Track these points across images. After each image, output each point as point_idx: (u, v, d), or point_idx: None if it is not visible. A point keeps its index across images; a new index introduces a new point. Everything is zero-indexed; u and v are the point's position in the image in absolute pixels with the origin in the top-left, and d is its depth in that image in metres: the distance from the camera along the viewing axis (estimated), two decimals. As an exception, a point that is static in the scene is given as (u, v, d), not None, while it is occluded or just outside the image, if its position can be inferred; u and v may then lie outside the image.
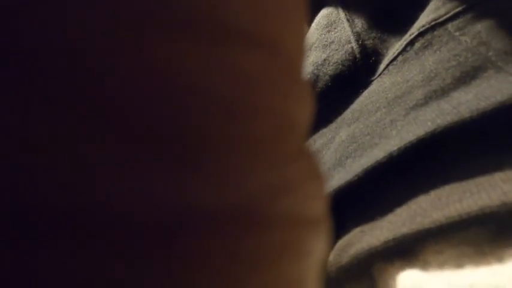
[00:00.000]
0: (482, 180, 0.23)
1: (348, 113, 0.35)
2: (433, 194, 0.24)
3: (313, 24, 0.41)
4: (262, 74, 0.13)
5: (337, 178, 0.31)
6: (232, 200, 0.12)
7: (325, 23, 0.40)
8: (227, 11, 0.12)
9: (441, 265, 0.22)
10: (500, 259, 0.21)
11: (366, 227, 0.27)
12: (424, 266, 0.23)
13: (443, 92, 0.28)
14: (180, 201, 0.11)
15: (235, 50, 0.12)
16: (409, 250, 0.24)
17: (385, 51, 0.35)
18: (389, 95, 0.32)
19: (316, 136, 0.37)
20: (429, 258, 0.23)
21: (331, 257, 0.29)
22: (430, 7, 0.33)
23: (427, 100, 0.29)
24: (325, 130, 0.36)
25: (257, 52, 0.12)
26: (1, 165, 0.09)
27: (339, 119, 0.35)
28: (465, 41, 0.29)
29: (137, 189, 0.10)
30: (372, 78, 0.35)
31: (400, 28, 0.35)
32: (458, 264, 0.22)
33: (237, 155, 0.12)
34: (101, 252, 0.10)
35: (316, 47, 0.39)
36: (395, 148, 0.27)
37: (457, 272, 0.21)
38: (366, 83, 0.35)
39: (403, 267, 0.24)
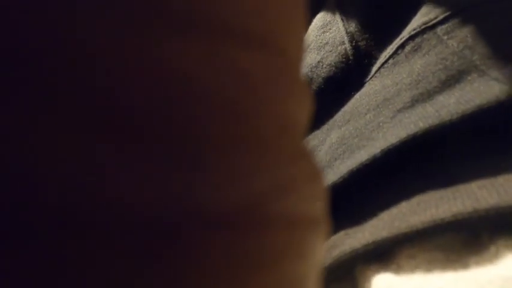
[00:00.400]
0: (460, 187, 0.23)
1: (339, 115, 0.35)
2: (414, 200, 0.24)
3: (311, 26, 0.42)
4: (262, 74, 0.13)
5: (326, 179, 0.32)
6: (233, 200, 0.12)
7: (320, 24, 0.40)
8: (228, 11, 0.12)
9: (413, 269, 0.22)
10: (465, 266, 0.21)
11: (351, 230, 0.27)
12: (397, 269, 0.23)
13: (429, 95, 0.28)
14: (181, 201, 0.11)
15: (236, 50, 0.12)
16: (386, 254, 0.25)
17: (378, 53, 0.35)
18: (378, 97, 0.32)
19: (310, 137, 0.37)
20: (402, 262, 0.23)
21: None
22: (422, 11, 0.33)
23: (413, 103, 0.29)
24: (317, 132, 0.36)
25: (257, 52, 0.12)
26: (1, 165, 0.09)
27: (331, 121, 0.35)
28: (452, 44, 0.29)
29: (139, 190, 0.10)
30: (365, 81, 0.35)
31: (394, 31, 0.35)
32: (428, 269, 0.22)
33: (238, 156, 0.12)
34: (102, 252, 0.10)
35: (311, 48, 0.39)
36: (378, 150, 0.27)
37: (426, 277, 0.22)
38: (358, 85, 0.35)
39: (378, 271, 0.24)
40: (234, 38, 0.12)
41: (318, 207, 0.14)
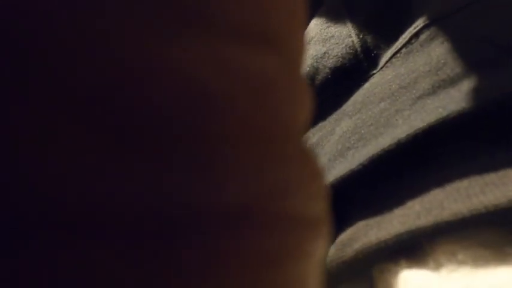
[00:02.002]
0: (508, 173, 0.22)
1: (348, 105, 0.34)
2: (449, 187, 0.23)
3: (313, 20, 0.41)
4: (263, 73, 0.13)
5: (339, 168, 0.31)
6: (233, 200, 0.11)
7: (324, 18, 0.40)
8: (229, 11, 0.12)
9: (456, 268, 0.21)
10: None
11: (372, 221, 0.26)
12: (436, 267, 0.22)
13: (452, 81, 0.27)
14: (182, 202, 0.11)
15: (237, 49, 0.12)
16: (416, 249, 0.23)
17: (386, 45, 0.35)
18: (393, 86, 0.31)
19: (315, 129, 0.36)
20: (441, 259, 0.22)
21: (332, 252, 0.28)
22: (434, 1, 0.33)
23: (434, 89, 0.28)
24: (324, 123, 0.36)
25: (258, 52, 0.12)
26: None
27: (339, 111, 0.35)
28: (474, 32, 0.29)
29: (139, 190, 0.10)
30: (373, 72, 0.35)
31: (401, 22, 0.35)
32: (475, 266, 0.21)
33: (238, 156, 0.12)
34: (102, 252, 0.10)
35: (315, 41, 0.39)
36: (403, 135, 0.26)
37: (474, 274, 0.20)
38: (366, 76, 0.35)
39: (409, 267, 0.23)
40: (235, 38, 0.12)
41: (318, 207, 0.14)
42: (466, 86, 0.26)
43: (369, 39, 0.36)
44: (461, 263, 0.21)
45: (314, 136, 0.36)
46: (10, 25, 0.09)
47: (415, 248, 0.23)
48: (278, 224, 0.12)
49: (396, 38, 0.34)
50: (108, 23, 0.10)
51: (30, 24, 0.10)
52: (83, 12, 0.10)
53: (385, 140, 0.28)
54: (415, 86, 0.30)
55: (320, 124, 0.36)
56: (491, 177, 0.22)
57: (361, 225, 0.27)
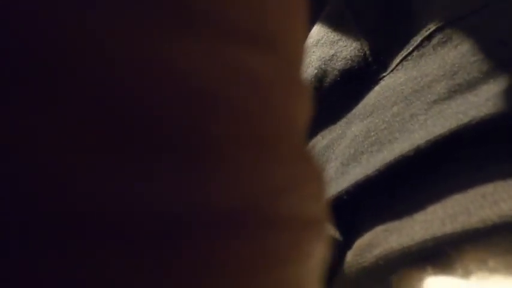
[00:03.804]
0: None
1: (359, 108, 0.34)
2: (473, 192, 0.23)
3: (318, 23, 0.41)
4: (263, 74, 0.12)
5: (353, 174, 0.30)
6: (233, 201, 0.11)
7: (330, 19, 0.39)
8: (229, 11, 0.12)
9: (487, 275, 0.21)
10: None
11: (391, 226, 0.26)
12: (465, 274, 0.22)
13: (469, 86, 0.27)
14: (180, 202, 0.11)
15: (237, 49, 0.12)
16: (441, 255, 0.23)
17: (396, 47, 0.35)
18: (406, 89, 0.31)
19: (324, 132, 0.36)
20: (470, 266, 0.22)
21: (350, 258, 0.28)
22: (445, 3, 0.33)
23: (450, 94, 0.28)
24: (334, 126, 0.35)
25: (258, 52, 0.12)
26: None
27: (350, 114, 0.34)
28: (488, 35, 0.28)
29: (140, 190, 0.10)
30: (383, 75, 0.34)
31: (402, 23, 0.35)
32: (508, 273, 0.20)
33: (236, 156, 0.12)
34: (102, 252, 0.10)
35: (322, 43, 0.38)
36: (422, 141, 0.26)
37: (506, 281, 0.20)
38: (376, 79, 0.34)
39: (435, 274, 0.23)
40: (235, 38, 0.12)
41: (318, 207, 0.14)
42: (485, 90, 0.26)
43: (378, 41, 0.36)
44: (493, 270, 0.21)
45: (324, 139, 0.35)
46: (9, 25, 0.09)
47: (440, 254, 0.23)
48: (276, 225, 0.12)
49: (400, 40, 0.34)
50: (108, 23, 0.10)
51: (29, 24, 0.10)
52: (82, 12, 0.10)
53: (402, 146, 0.28)
54: (430, 90, 0.29)
55: (330, 127, 0.36)
56: None
57: (379, 230, 0.27)
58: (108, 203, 0.10)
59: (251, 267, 0.12)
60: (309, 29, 0.42)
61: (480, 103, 0.25)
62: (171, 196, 0.11)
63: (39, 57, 0.10)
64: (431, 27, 0.32)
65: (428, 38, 0.32)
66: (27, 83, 0.09)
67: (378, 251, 0.25)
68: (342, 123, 0.35)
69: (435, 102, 0.29)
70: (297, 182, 0.13)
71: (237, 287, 0.11)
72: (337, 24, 0.38)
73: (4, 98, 0.09)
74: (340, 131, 0.34)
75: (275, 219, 0.12)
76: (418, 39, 0.33)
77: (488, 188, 0.22)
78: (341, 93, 0.36)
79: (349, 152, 0.32)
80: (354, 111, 0.34)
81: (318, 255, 0.14)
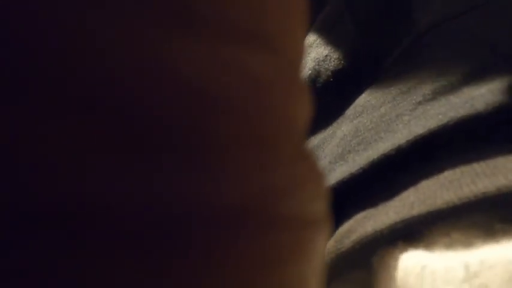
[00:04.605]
0: (497, 163, 0.23)
1: (350, 109, 0.34)
2: (442, 178, 0.24)
3: (316, 23, 0.41)
4: (263, 74, 0.13)
5: (340, 171, 0.31)
6: (232, 201, 0.11)
7: (327, 20, 0.40)
8: (229, 11, 0.12)
9: (448, 246, 0.22)
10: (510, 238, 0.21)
11: (369, 213, 0.27)
12: (429, 246, 0.23)
13: (452, 87, 0.28)
14: (180, 202, 0.11)
15: (236, 49, 0.12)
16: (414, 233, 0.24)
17: (389, 48, 0.35)
18: (394, 90, 0.32)
19: (317, 132, 0.36)
20: (435, 239, 0.23)
21: (331, 244, 0.28)
22: (437, 3, 0.33)
23: (435, 95, 0.29)
24: (325, 126, 0.36)
25: (258, 52, 0.12)
26: None
27: (340, 114, 0.35)
28: (474, 37, 0.29)
29: (139, 189, 0.10)
30: (375, 75, 0.35)
31: (402, 24, 0.35)
32: (467, 244, 0.22)
33: (236, 156, 0.12)
34: (102, 252, 0.10)
35: (318, 43, 0.39)
36: (403, 141, 0.27)
37: (465, 250, 0.21)
38: (368, 80, 0.35)
39: (405, 249, 0.24)
40: (234, 38, 0.12)
41: (319, 207, 0.14)
42: (466, 92, 0.27)
43: (371, 42, 0.36)
44: (455, 241, 0.22)
45: (315, 138, 0.36)
46: (9, 25, 0.09)
47: (413, 232, 0.24)
48: (277, 225, 0.12)
49: (398, 41, 0.35)
50: (108, 23, 0.10)
51: (28, 23, 0.10)
52: (82, 12, 0.10)
53: (385, 145, 0.28)
54: (416, 91, 0.30)
55: (321, 127, 0.36)
56: (481, 167, 0.23)
57: (359, 217, 0.28)
58: (108, 203, 0.10)
59: (251, 267, 0.12)
60: (309, 29, 0.42)
61: (459, 105, 0.26)
62: (171, 196, 0.11)
63: (39, 57, 0.10)
64: (421, 28, 0.33)
65: (418, 39, 0.33)
66: (27, 83, 0.09)
67: (354, 236, 0.26)
68: (332, 123, 0.35)
69: (420, 103, 0.29)
70: (297, 182, 0.13)
71: (237, 287, 0.11)
72: (334, 23, 0.39)
73: (4, 98, 0.09)
74: (330, 131, 0.35)
75: (275, 219, 0.12)
76: (408, 40, 0.33)
77: (455, 174, 0.23)
78: (333, 94, 0.36)
79: (337, 151, 0.33)
80: (345, 111, 0.35)
81: (318, 254, 0.14)
